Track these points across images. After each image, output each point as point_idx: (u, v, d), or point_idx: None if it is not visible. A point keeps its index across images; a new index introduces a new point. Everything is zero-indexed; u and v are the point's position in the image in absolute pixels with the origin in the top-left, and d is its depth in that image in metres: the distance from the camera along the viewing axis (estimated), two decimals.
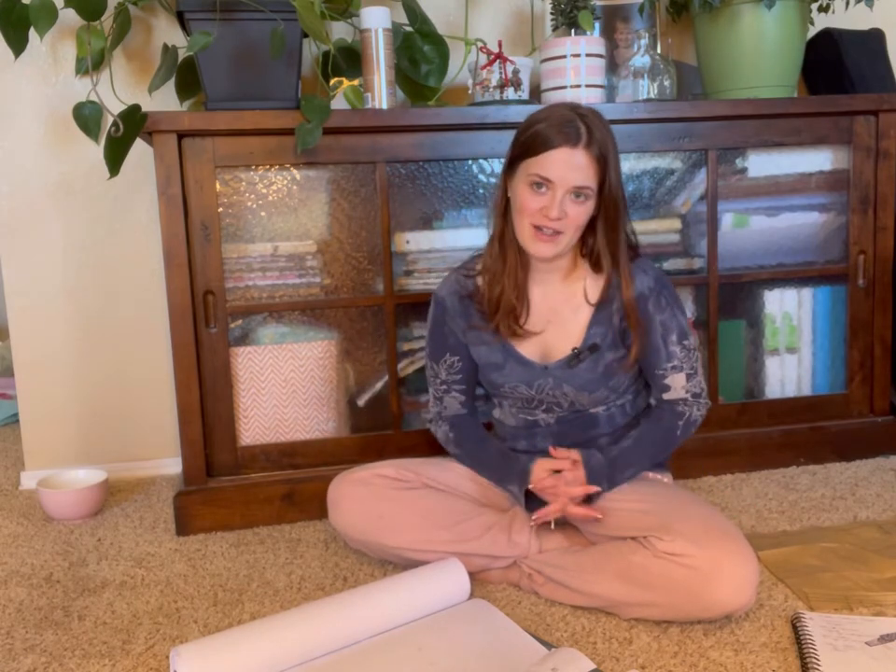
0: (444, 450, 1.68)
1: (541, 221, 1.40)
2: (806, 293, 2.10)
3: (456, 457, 1.62)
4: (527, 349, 1.53)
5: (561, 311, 1.52)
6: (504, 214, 1.49)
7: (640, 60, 2.00)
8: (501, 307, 1.50)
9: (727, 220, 2.03)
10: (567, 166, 1.36)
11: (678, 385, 1.51)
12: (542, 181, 1.38)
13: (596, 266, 1.49)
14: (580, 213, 1.40)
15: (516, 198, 1.43)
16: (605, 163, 1.38)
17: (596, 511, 1.43)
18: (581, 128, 1.36)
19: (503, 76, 1.92)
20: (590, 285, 1.51)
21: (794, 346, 2.11)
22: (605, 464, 1.46)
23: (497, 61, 1.92)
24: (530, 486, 1.47)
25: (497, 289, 1.50)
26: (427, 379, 1.65)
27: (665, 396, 1.52)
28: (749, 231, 2.05)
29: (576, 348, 1.50)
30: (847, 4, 2.07)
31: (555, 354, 1.52)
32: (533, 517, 1.46)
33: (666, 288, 1.50)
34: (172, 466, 2.21)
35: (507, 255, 1.49)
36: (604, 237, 1.45)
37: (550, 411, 1.55)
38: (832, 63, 2.25)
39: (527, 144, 1.40)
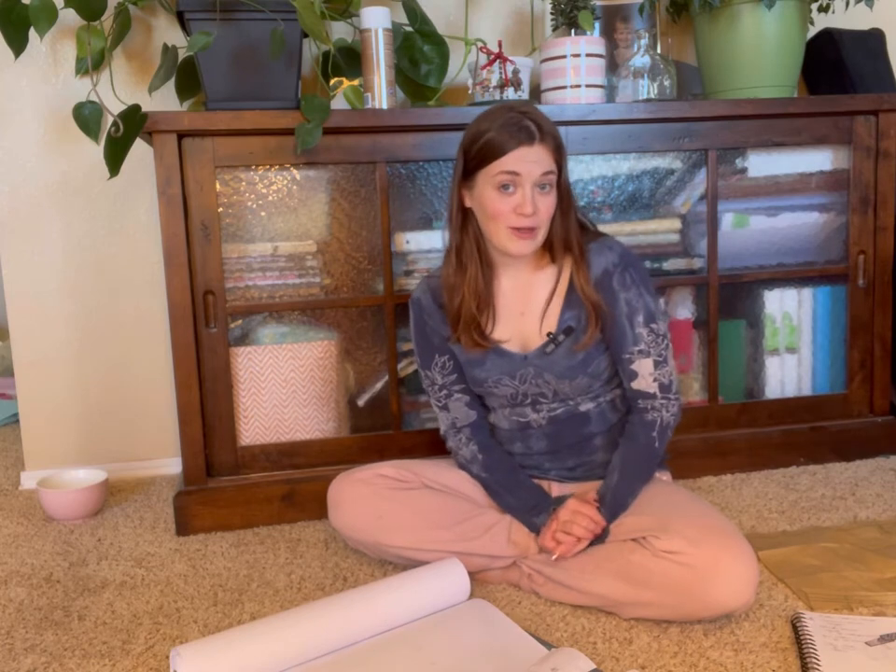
0: (444, 451, 1.68)
1: (518, 221, 1.40)
2: (806, 293, 2.10)
3: (477, 478, 1.59)
4: (509, 339, 1.53)
5: (534, 300, 1.52)
6: (461, 227, 1.50)
7: (640, 60, 1.99)
8: (462, 319, 1.51)
9: (727, 220, 2.03)
10: (530, 161, 1.38)
11: (644, 371, 1.47)
12: (509, 178, 1.39)
13: (557, 253, 1.49)
14: (549, 204, 1.42)
15: (484, 206, 1.43)
16: (560, 151, 1.41)
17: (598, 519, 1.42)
18: (530, 125, 1.38)
19: (503, 76, 1.92)
20: (555, 272, 1.51)
21: (794, 346, 2.11)
22: (603, 510, 1.44)
23: (497, 61, 1.92)
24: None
25: (458, 300, 1.51)
26: (427, 392, 1.63)
27: (634, 384, 1.48)
28: (749, 230, 2.05)
29: (551, 333, 1.50)
30: (847, 4, 2.07)
31: (533, 342, 1.52)
32: (553, 557, 1.43)
33: (633, 266, 1.48)
34: (172, 466, 2.21)
35: (467, 267, 1.50)
36: (560, 224, 1.47)
37: (537, 405, 1.54)
38: (832, 63, 2.25)
39: (482, 154, 1.40)
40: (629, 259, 1.48)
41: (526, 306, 1.52)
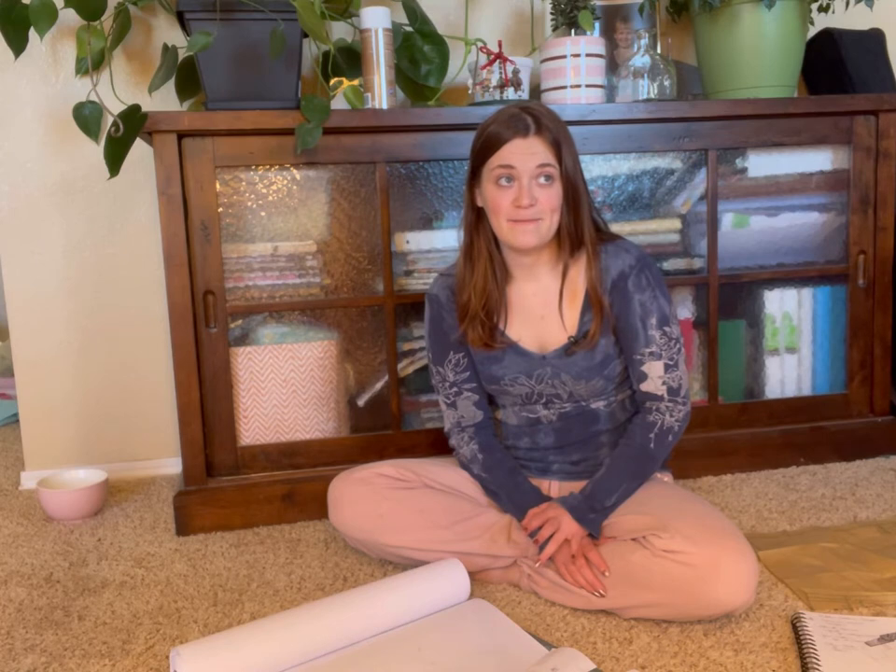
0: (444, 450, 1.68)
1: (517, 214, 1.42)
2: (806, 293, 2.10)
3: (477, 478, 1.60)
4: (525, 340, 1.54)
5: (553, 303, 1.52)
6: (472, 227, 1.52)
7: (640, 60, 1.99)
8: (468, 316, 1.52)
9: (727, 220, 2.03)
10: (525, 153, 1.40)
11: (654, 374, 1.48)
12: (506, 171, 1.41)
13: (567, 248, 1.49)
14: (550, 195, 1.42)
15: (487, 201, 1.46)
16: (559, 147, 1.42)
17: (601, 562, 1.39)
18: (527, 118, 1.41)
19: (503, 76, 1.92)
20: (576, 273, 1.51)
21: (794, 346, 2.11)
22: (581, 498, 1.45)
23: (497, 61, 1.92)
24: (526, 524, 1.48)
25: (465, 297, 1.53)
26: (435, 388, 1.64)
27: (642, 386, 1.49)
28: (749, 231, 2.06)
29: (572, 336, 1.50)
30: (847, 4, 2.07)
31: (552, 343, 1.52)
32: (537, 564, 1.45)
33: (649, 269, 1.49)
34: (172, 466, 2.21)
35: (475, 267, 1.52)
36: (568, 218, 1.46)
37: (550, 404, 1.55)
38: (832, 63, 2.25)
39: (483, 148, 1.44)
40: (645, 261, 1.49)
41: (546, 310, 1.53)
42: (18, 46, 1.81)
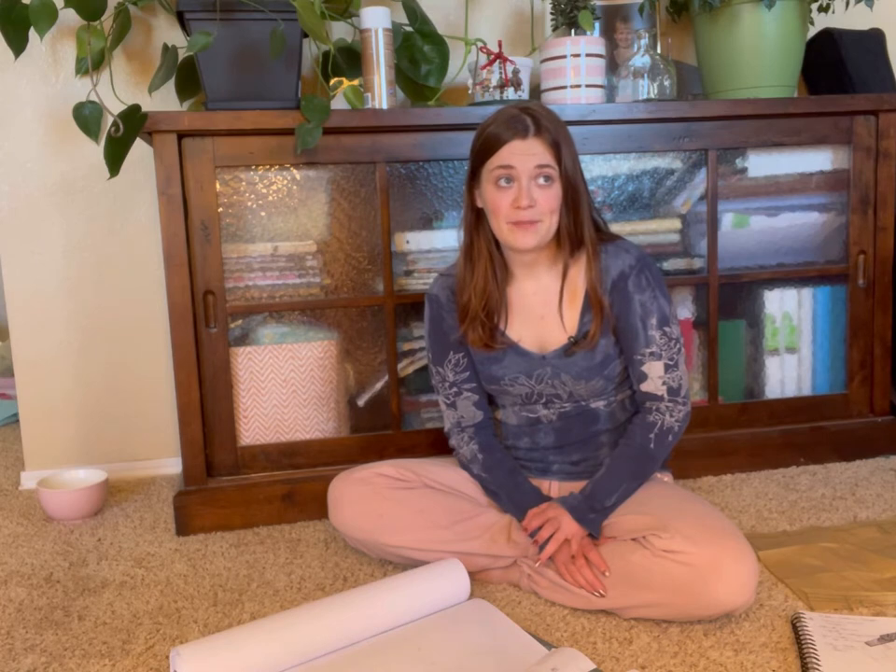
0: (444, 450, 1.68)
1: (516, 216, 1.42)
2: (806, 293, 2.10)
3: (477, 478, 1.60)
4: (525, 340, 1.54)
5: (553, 302, 1.52)
6: (472, 228, 1.53)
7: (640, 60, 1.99)
8: (468, 317, 1.52)
9: (727, 220, 2.03)
10: (524, 154, 1.40)
11: (654, 374, 1.48)
12: (505, 172, 1.41)
13: (566, 249, 1.49)
14: (549, 197, 1.42)
15: (487, 202, 1.46)
16: (558, 148, 1.42)
17: (601, 562, 1.40)
18: (527, 119, 1.41)
19: (503, 76, 1.91)
20: (576, 273, 1.51)
21: (794, 346, 2.11)
22: (581, 498, 1.45)
23: (497, 61, 1.92)
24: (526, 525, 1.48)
25: (465, 298, 1.53)
26: (435, 388, 1.64)
27: (643, 386, 1.49)
28: (749, 231, 2.06)
29: (572, 337, 1.50)
30: (847, 4, 2.07)
31: (552, 343, 1.52)
32: (537, 563, 1.46)
33: (649, 269, 1.49)
34: (172, 466, 2.21)
35: (475, 267, 1.52)
36: (567, 218, 1.46)
37: (550, 404, 1.55)
38: (832, 63, 2.25)
39: (483, 148, 1.44)
40: (645, 261, 1.49)
41: (546, 310, 1.53)
42: (18, 46, 1.81)
